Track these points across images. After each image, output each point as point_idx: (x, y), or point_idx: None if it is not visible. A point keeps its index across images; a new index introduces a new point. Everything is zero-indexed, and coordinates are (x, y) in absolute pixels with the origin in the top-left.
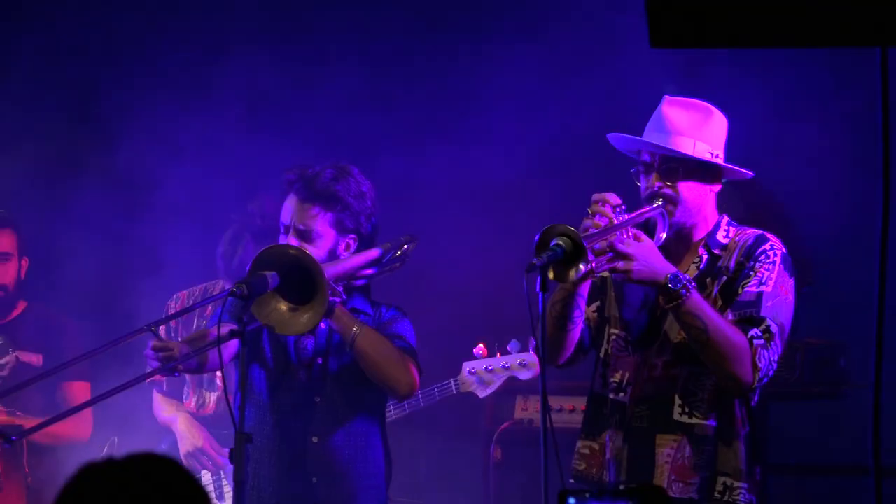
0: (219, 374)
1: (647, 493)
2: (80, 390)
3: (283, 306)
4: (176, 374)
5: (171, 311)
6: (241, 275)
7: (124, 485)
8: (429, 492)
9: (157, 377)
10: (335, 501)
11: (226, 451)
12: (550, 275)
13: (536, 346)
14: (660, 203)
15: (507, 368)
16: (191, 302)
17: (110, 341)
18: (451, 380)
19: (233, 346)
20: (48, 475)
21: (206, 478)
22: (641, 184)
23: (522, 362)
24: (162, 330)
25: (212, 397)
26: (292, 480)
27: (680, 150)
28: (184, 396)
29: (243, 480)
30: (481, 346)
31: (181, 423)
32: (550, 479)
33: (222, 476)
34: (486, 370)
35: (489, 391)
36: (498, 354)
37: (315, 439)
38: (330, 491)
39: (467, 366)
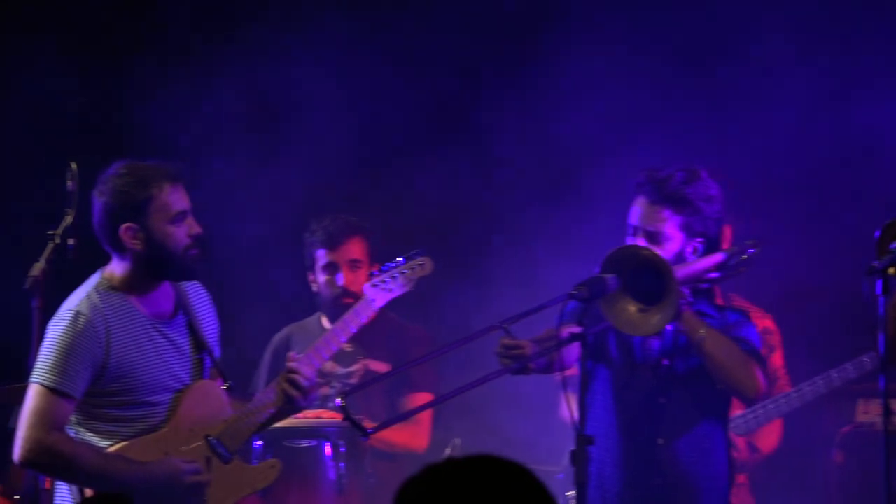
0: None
1: None
2: (423, 401)
3: (633, 307)
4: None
5: None
6: None
7: (464, 486)
8: (769, 494)
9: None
10: (677, 503)
11: None
12: (891, 270)
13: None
14: None
15: None
16: None
17: (457, 340)
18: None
19: (578, 346)
20: (388, 480)
21: None
22: None
23: None
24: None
25: None
26: (636, 481)
27: None
28: None
29: (585, 482)
30: None
31: None
32: (893, 483)
33: None
34: None
35: None
36: None
37: (661, 441)
38: (672, 492)
39: None
